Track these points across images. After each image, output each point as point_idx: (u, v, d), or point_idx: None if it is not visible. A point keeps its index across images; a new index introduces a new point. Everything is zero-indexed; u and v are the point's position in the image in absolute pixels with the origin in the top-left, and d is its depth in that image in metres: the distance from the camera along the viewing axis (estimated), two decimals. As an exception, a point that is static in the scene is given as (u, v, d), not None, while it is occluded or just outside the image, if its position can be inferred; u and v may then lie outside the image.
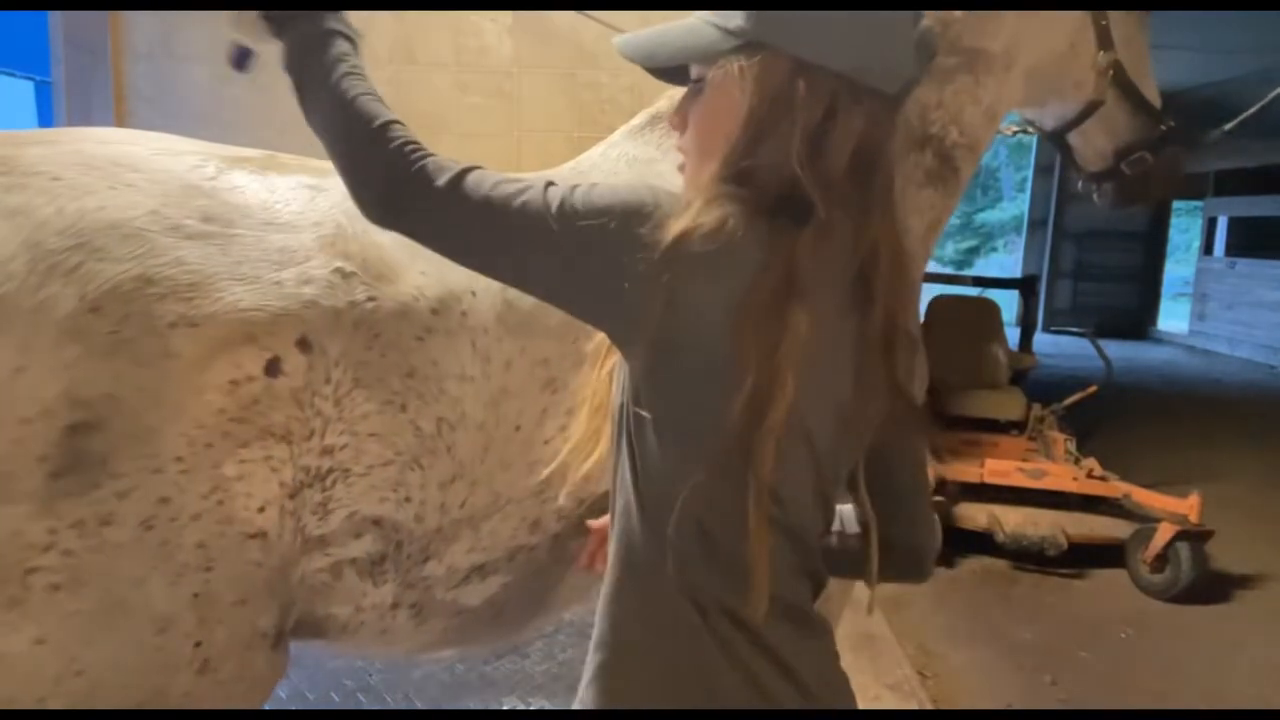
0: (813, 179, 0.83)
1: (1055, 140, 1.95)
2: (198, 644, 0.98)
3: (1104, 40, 1.74)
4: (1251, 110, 2.07)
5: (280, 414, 1.00)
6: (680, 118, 0.95)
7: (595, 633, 0.93)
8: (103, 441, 0.90)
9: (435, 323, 1.15)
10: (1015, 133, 2.18)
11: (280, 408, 1.00)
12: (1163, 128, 1.84)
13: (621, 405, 0.89)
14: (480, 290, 1.21)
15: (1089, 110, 1.81)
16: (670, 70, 0.95)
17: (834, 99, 0.84)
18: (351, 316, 1.07)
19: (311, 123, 0.94)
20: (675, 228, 0.81)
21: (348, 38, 0.96)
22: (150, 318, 0.93)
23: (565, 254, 0.84)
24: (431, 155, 0.88)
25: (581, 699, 0.93)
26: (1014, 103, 1.82)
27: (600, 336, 1.02)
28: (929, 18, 1.65)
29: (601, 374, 1.01)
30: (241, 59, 1.02)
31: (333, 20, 0.96)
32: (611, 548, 0.93)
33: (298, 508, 1.05)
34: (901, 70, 0.87)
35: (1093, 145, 1.90)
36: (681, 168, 0.97)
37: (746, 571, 0.84)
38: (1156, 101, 1.86)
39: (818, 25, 0.84)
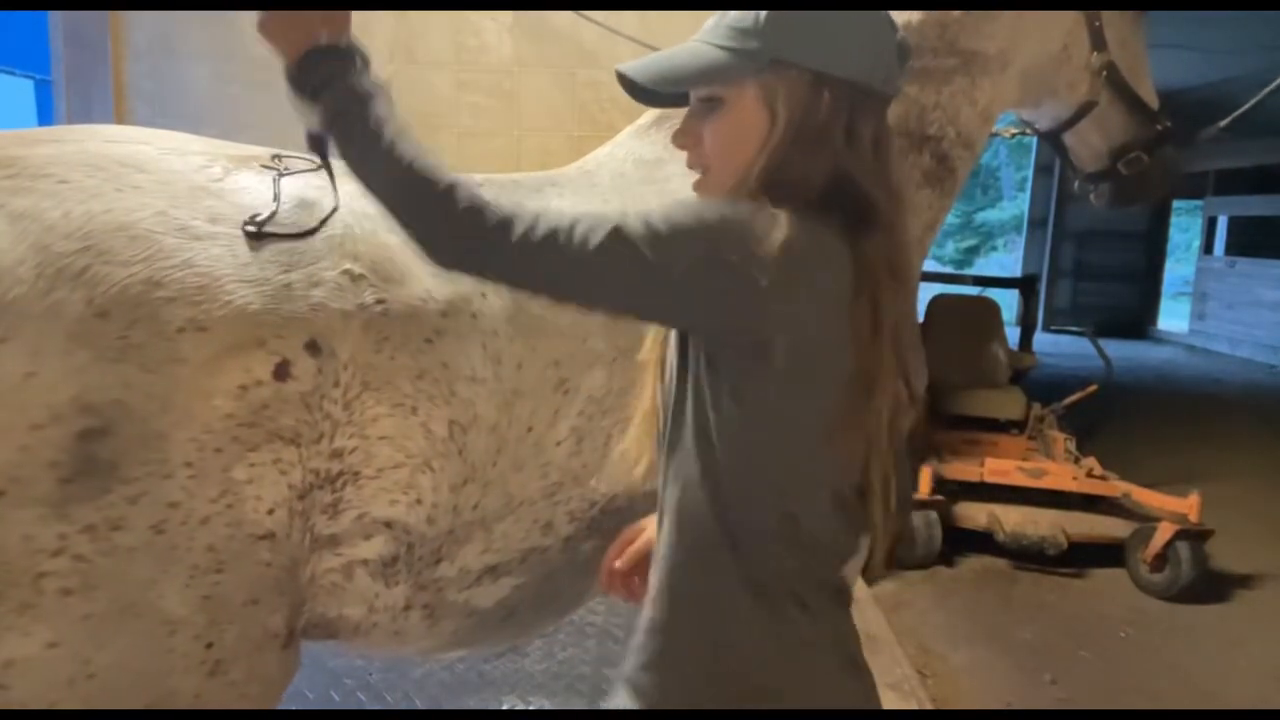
0: (865, 175, 0.93)
1: (1051, 140, 1.96)
2: (209, 645, 0.99)
3: (1097, 41, 1.75)
4: (1246, 106, 2.08)
5: (289, 418, 1.00)
6: (692, 135, 1.00)
7: (651, 615, 0.98)
8: (112, 447, 0.90)
9: (445, 325, 1.15)
10: (1015, 135, 2.19)
11: (289, 411, 1.00)
12: (1159, 128, 1.85)
13: (689, 407, 0.94)
14: (491, 292, 1.21)
15: (1083, 111, 1.82)
16: (656, 93, 1.01)
17: (851, 105, 0.93)
18: (360, 319, 1.07)
19: (365, 184, 0.92)
20: (777, 238, 0.85)
21: (381, 93, 0.94)
22: (158, 322, 0.93)
23: (670, 280, 0.87)
24: (502, 207, 0.88)
25: (632, 679, 0.97)
26: (1008, 104, 1.84)
27: (650, 347, 1.09)
28: (929, 18, 1.68)
29: (657, 383, 1.07)
30: (320, 143, 0.97)
31: (366, 81, 0.94)
32: (668, 537, 0.97)
33: (307, 508, 1.05)
34: (894, 75, 0.97)
35: (1088, 145, 1.91)
36: (698, 183, 1.01)
37: (824, 549, 0.94)
38: (1154, 102, 1.86)
39: (828, 39, 0.92)
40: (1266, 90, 2.08)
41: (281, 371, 1.00)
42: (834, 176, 0.92)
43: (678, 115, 1.71)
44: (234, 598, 1.00)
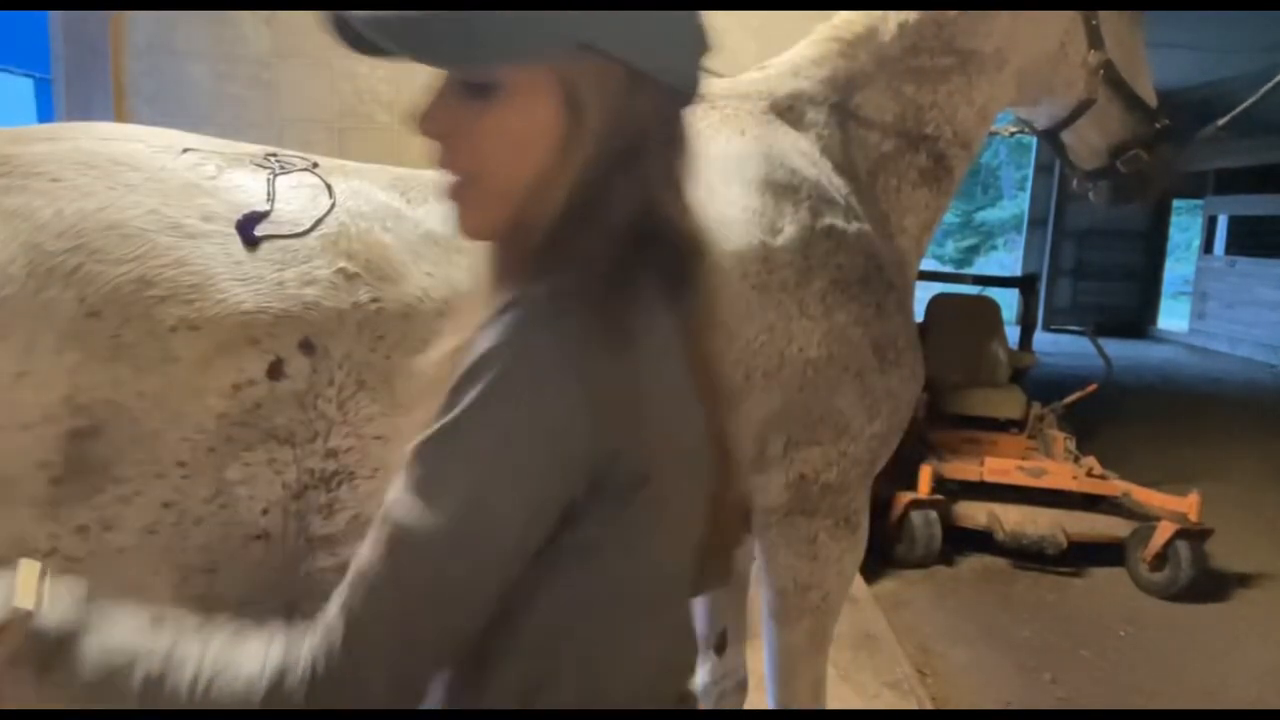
0: (679, 205, 0.74)
1: (1049, 139, 1.97)
2: None
3: (1094, 39, 1.76)
4: (1244, 105, 2.08)
5: (283, 417, 1.00)
6: (447, 124, 0.72)
7: None
8: (104, 447, 0.89)
9: (441, 324, 1.15)
10: (1013, 133, 2.19)
11: (283, 410, 1.00)
12: (1158, 126, 1.85)
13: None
14: None
15: (1080, 109, 1.83)
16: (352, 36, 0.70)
17: (667, 112, 0.74)
18: (355, 318, 1.07)
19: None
20: (572, 381, 0.64)
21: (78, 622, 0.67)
22: (150, 321, 0.92)
23: (525, 503, 0.66)
24: (325, 629, 0.66)
25: None
26: (1006, 103, 1.85)
27: None
28: (925, 17, 1.68)
29: None
30: None
31: (64, 621, 0.66)
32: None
33: (302, 509, 1.05)
34: (699, 79, 0.76)
35: (1086, 143, 1.91)
36: (458, 194, 0.74)
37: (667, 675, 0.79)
38: (1152, 100, 1.87)
39: (648, 31, 0.70)
40: (1264, 89, 2.07)
41: (275, 370, 0.99)
42: (645, 207, 0.71)
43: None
44: (227, 598, 0.99)
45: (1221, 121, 2.07)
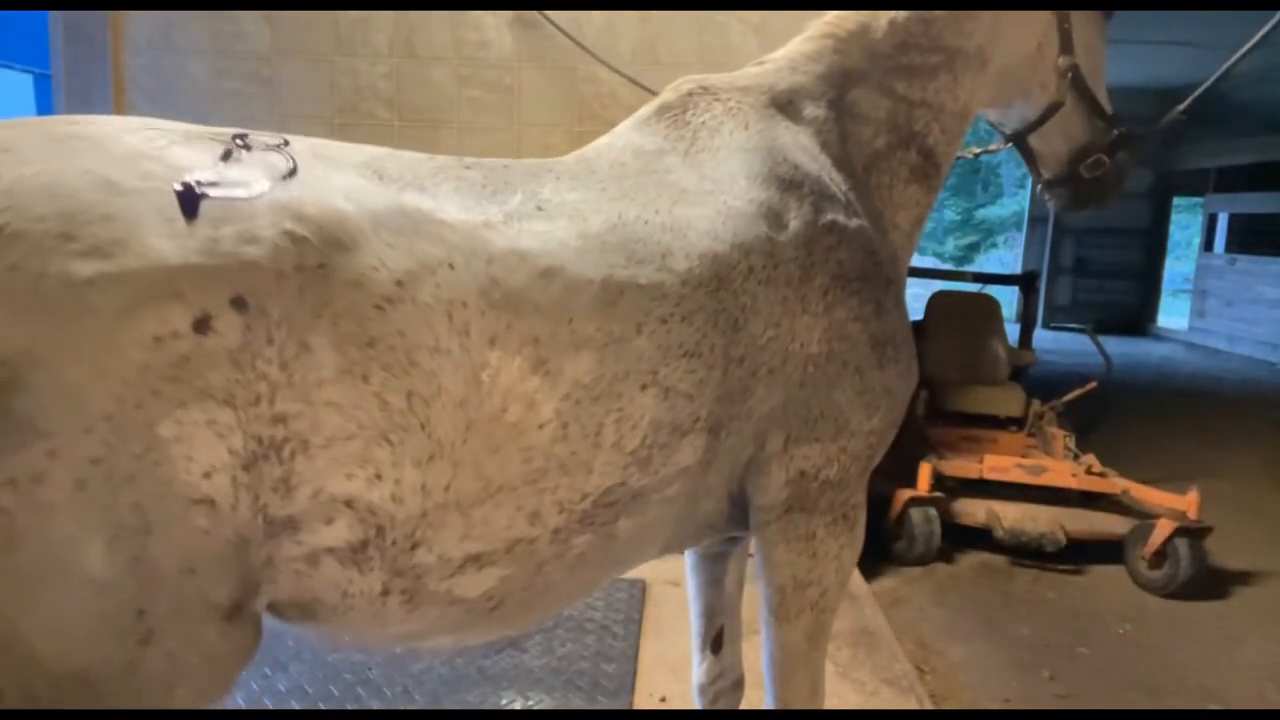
0: None
1: (1017, 143, 1.99)
2: (140, 612, 0.96)
3: (1065, 44, 1.81)
4: (1201, 89, 2.13)
5: (218, 375, 0.97)
6: None
7: None
8: (28, 399, 0.88)
9: (400, 293, 1.11)
10: (976, 155, 2.18)
11: (217, 368, 0.97)
12: (1116, 132, 1.90)
13: None
14: (460, 263, 1.17)
15: (1050, 112, 1.87)
16: None
17: None
18: (296, 281, 1.03)
19: None
20: None
21: None
22: (68, 274, 0.91)
23: None
24: None
25: None
26: (985, 102, 1.90)
27: None
28: (913, 15, 1.70)
29: None
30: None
31: None
32: None
33: (254, 481, 1.01)
34: None
35: (1051, 148, 1.97)
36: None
37: None
38: (1109, 107, 1.92)
39: None
40: (1224, 67, 2.12)
41: (202, 325, 0.96)
42: None
43: (679, 106, 1.69)
44: (166, 563, 0.96)
45: (1181, 108, 2.14)
